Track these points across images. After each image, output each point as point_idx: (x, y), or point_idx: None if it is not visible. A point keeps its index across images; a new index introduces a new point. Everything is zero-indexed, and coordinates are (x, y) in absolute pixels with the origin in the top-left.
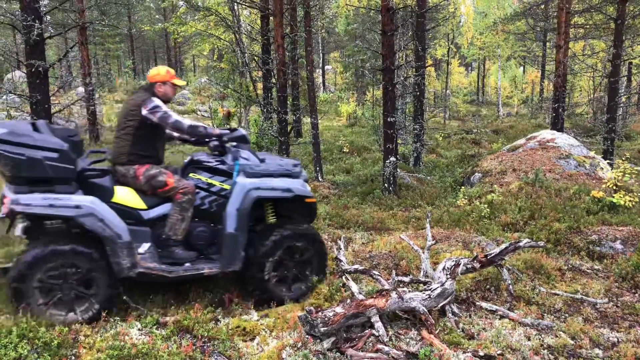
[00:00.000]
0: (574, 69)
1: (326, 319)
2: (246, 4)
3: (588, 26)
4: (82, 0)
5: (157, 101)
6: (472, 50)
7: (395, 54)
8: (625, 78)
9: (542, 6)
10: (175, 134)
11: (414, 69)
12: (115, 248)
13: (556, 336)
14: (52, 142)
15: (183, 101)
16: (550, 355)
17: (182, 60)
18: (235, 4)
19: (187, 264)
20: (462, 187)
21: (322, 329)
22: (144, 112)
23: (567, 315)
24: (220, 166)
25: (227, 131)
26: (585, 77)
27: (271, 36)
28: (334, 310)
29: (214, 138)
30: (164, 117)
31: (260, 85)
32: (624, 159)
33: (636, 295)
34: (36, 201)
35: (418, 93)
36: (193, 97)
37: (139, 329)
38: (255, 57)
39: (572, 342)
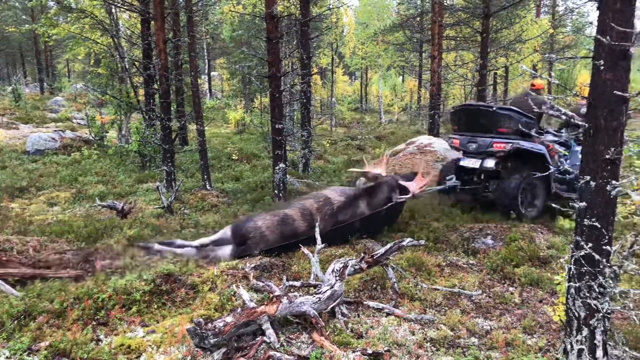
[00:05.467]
0: (447, 78)
1: (216, 329)
2: (125, 7)
3: (458, 39)
4: None
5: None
6: (355, 59)
7: (281, 62)
8: (491, 87)
9: (418, 19)
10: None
11: (300, 77)
12: (552, 174)
13: (437, 329)
14: (528, 112)
15: (56, 108)
16: (432, 347)
17: (54, 64)
18: (113, 6)
19: (564, 193)
20: None
21: (212, 340)
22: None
23: (446, 308)
24: (562, 140)
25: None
26: (457, 86)
27: (152, 41)
28: (224, 320)
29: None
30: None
31: (141, 92)
32: None
33: (505, 285)
34: (527, 145)
35: (305, 100)
36: (68, 103)
37: (6, 357)
38: (135, 62)
39: (451, 333)
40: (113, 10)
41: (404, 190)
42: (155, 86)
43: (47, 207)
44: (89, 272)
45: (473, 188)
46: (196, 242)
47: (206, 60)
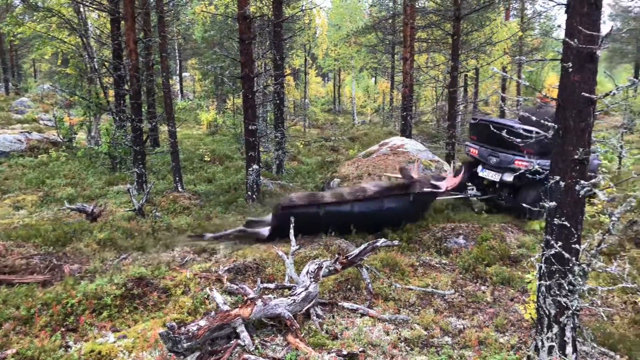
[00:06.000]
0: (419, 80)
1: (190, 333)
2: (93, 6)
3: (430, 41)
4: None
5: None
6: (328, 61)
7: (254, 62)
8: (462, 88)
9: (390, 21)
10: None
11: (273, 78)
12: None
13: (411, 329)
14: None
15: (22, 109)
16: (407, 347)
17: (19, 64)
18: (81, 5)
19: None
20: None
21: (185, 345)
22: None
23: (420, 308)
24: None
25: None
26: (429, 88)
27: (123, 41)
28: (198, 324)
29: None
30: None
31: (111, 92)
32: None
33: (477, 284)
34: (544, 163)
35: (278, 101)
36: (34, 104)
37: None
38: (105, 63)
39: (425, 332)
40: (81, 9)
41: (437, 188)
42: (126, 87)
43: (12, 210)
44: (58, 277)
45: (489, 197)
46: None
47: (177, 61)
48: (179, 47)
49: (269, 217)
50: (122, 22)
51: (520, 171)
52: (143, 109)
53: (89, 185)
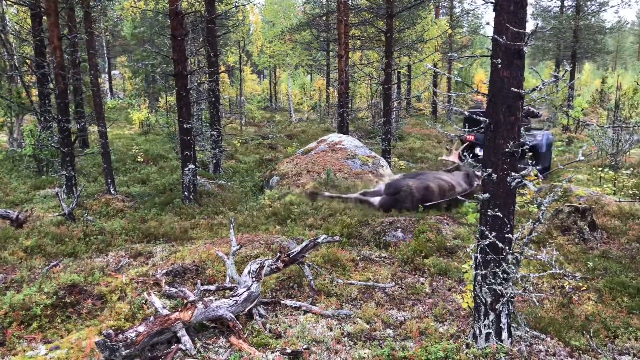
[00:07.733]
0: (354, 77)
1: (128, 340)
2: (12, 1)
3: (364, 38)
4: None
5: None
6: (263, 58)
7: (188, 59)
8: (396, 85)
9: (324, 18)
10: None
11: (207, 75)
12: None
13: (354, 323)
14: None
15: None
16: (350, 341)
17: None
18: None
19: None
20: (267, 190)
21: (124, 352)
22: None
23: (362, 302)
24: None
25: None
26: (364, 85)
27: (45, 37)
28: (136, 330)
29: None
30: None
31: (35, 92)
32: (398, 156)
33: (416, 276)
34: (528, 140)
35: (213, 99)
36: None
37: None
38: (27, 60)
39: (367, 326)
40: None
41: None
42: (51, 85)
43: None
44: None
45: None
46: (361, 191)
47: (106, 59)
48: (107, 44)
49: (378, 188)
50: (44, 17)
51: None
52: (70, 109)
53: (13, 190)
